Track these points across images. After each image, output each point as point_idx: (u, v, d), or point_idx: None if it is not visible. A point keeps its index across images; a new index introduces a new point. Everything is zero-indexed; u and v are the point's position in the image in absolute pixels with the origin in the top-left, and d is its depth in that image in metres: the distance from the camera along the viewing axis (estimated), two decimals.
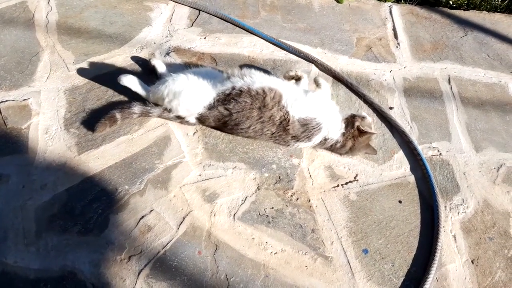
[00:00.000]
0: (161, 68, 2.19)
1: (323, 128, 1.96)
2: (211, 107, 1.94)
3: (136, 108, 1.98)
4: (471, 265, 1.80)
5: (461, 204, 1.98)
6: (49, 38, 2.32)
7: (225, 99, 1.92)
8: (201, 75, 1.99)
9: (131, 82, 2.03)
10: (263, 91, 1.91)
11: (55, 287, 1.54)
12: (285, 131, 1.93)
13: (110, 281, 1.59)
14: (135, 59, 2.30)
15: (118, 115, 1.96)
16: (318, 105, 1.99)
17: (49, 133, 1.94)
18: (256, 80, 1.95)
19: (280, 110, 1.92)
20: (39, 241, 1.64)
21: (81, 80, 2.15)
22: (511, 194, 2.04)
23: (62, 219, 1.70)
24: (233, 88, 1.92)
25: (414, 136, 2.19)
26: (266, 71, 2.29)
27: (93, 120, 1.99)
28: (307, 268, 1.72)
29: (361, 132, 1.99)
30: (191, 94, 1.93)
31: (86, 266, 1.61)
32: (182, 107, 1.94)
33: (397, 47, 2.68)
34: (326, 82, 2.17)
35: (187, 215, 1.78)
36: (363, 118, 2.04)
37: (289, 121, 1.92)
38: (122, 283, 1.59)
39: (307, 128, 1.94)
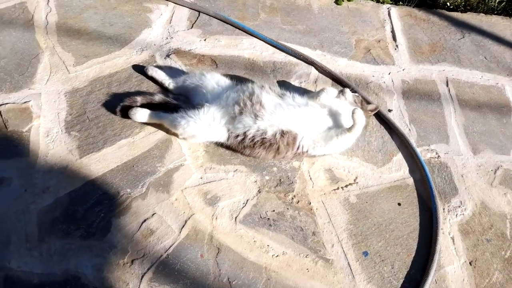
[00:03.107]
0: (159, 76, 2.18)
1: None
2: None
3: (157, 97, 2.05)
4: (469, 266, 1.83)
5: (459, 206, 2.01)
6: (49, 40, 2.31)
7: (237, 139, 1.93)
8: (212, 108, 1.95)
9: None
10: (275, 137, 1.90)
11: None
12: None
13: (113, 285, 1.59)
14: (136, 61, 2.30)
15: (138, 99, 2.02)
16: (341, 145, 2.02)
17: (50, 136, 1.94)
18: (269, 123, 1.89)
19: (295, 153, 1.97)
20: (42, 245, 1.64)
21: (82, 83, 2.15)
22: (508, 196, 2.07)
23: (65, 223, 1.71)
24: (245, 134, 1.90)
25: (412, 139, 2.22)
26: (281, 85, 2.30)
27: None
28: (308, 271, 1.74)
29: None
30: (205, 137, 1.98)
31: (89, 270, 1.61)
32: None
33: (395, 49, 2.70)
34: (362, 120, 1.96)
35: (189, 219, 1.79)
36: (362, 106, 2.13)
37: (303, 154, 2.00)
38: (126, 287, 1.60)
39: None
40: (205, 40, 2.50)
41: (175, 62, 2.34)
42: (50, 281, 1.57)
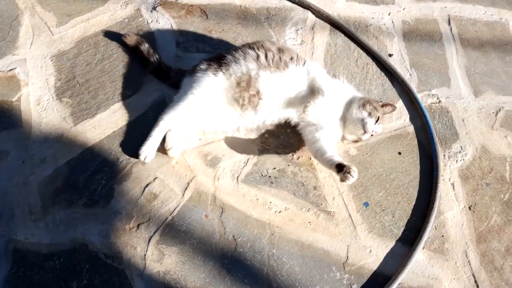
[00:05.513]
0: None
1: None
2: None
3: (147, 47, 2.02)
4: (468, 211, 1.86)
5: (459, 152, 2.00)
6: None
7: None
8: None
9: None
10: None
11: (68, 260, 1.58)
12: None
13: (122, 250, 1.63)
14: (121, 16, 2.18)
15: (134, 38, 2.04)
16: None
17: (41, 105, 1.89)
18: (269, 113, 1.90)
19: None
20: (47, 216, 1.65)
21: (67, 45, 2.05)
22: (508, 139, 2.07)
23: (67, 192, 1.71)
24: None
25: (413, 84, 2.16)
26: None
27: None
28: (310, 224, 1.78)
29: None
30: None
31: (96, 237, 1.64)
32: None
33: None
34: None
35: (191, 181, 1.79)
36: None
37: None
38: (134, 251, 1.63)
39: None
40: None
41: (162, 15, 2.21)
42: (59, 250, 1.60)
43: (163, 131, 1.80)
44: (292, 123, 1.90)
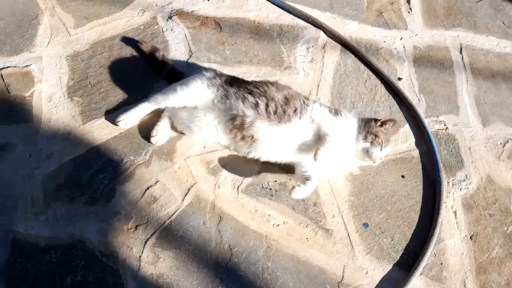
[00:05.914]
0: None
1: None
2: None
3: (162, 55, 2.07)
4: (469, 241, 1.84)
5: (464, 180, 1.99)
6: (48, 0, 2.24)
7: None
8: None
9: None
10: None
11: (64, 255, 1.59)
12: None
13: (118, 250, 1.64)
14: (137, 23, 2.23)
15: (149, 45, 2.10)
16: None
17: (52, 101, 1.93)
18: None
19: None
20: (48, 210, 1.67)
21: (83, 46, 2.10)
22: None
23: (69, 188, 1.73)
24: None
25: (421, 109, 2.16)
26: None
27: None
28: (308, 240, 1.76)
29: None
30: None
31: (94, 235, 1.65)
32: None
33: (409, 12, 2.58)
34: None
35: (192, 187, 1.80)
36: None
37: None
38: (129, 252, 1.64)
39: None
40: (208, 0, 2.40)
41: (178, 25, 2.26)
42: (56, 244, 1.61)
43: (145, 109, 1.88)
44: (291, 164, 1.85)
